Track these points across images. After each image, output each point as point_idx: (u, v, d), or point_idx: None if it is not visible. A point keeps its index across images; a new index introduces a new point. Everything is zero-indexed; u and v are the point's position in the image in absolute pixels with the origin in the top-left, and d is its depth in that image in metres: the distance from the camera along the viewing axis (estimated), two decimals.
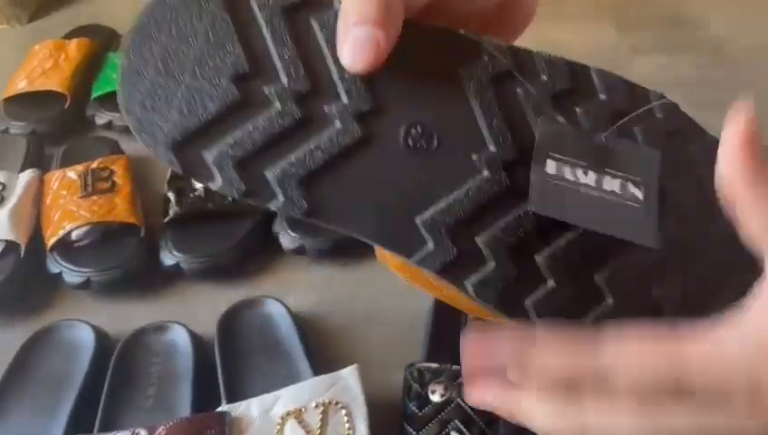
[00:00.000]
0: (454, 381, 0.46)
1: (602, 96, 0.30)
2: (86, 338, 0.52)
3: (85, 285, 0.56)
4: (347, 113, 0.28)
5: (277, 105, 0.27)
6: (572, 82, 0.29)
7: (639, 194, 0.28)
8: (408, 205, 0.28)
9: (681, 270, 0.28)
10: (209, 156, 0.27)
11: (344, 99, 0.28)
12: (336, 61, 0.27)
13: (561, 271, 0.28)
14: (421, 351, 0.51)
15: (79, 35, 0.81)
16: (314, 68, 0.28)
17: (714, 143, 0.26)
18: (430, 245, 0.27)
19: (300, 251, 0.58)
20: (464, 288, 0.28)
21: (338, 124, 0.27)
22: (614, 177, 0.28)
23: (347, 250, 0.57)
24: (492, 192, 0.28)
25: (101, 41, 0.82)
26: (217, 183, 0.27)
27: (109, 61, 0.77)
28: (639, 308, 0.27)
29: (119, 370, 0.50)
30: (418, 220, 0.28)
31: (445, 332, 0.51)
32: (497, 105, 0.28)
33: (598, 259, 0.28)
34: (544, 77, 0.29)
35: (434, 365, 0.48)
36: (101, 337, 0.52)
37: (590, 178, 0.28)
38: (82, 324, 0.53)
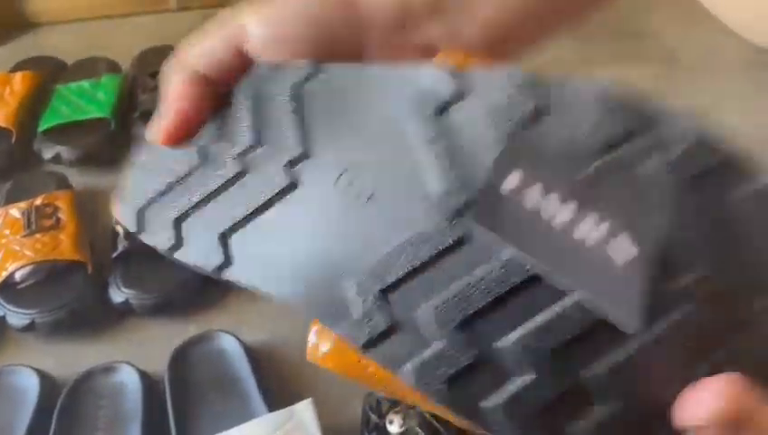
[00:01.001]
0: (411, 410, 0.45)
1: (586, 116, 0.22)
2: (30, 384, 0.50)
3: (30, 328, 0.54)
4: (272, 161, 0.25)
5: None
6: (540, 100, 0.22)
7: (629, 248, 0.21)
8: (337, 263, 0.23)
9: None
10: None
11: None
12: None
13: (537, 360, 0.20)
14: None
15: (24, 68, 0.79)
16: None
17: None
18: (357, 312, 0.22)
19: None
20: (400, 373, 0.21)
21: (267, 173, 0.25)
22: (600, 219, 0.21)
23: None
24: (438, 248, 0.22)
25: (47, 72, 0.80)
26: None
27: (56, 93, 0.76)
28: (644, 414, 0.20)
29: (64, 416, 0.48)
30: (347, 283, 0.22)
31: None
32: (444, 142, 0.23)
33: (586, 348, 0.20)
34: (503, 98, 0.23)
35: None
36: (46, 382, 0.50)
37: (565, 213, 0.21)
38: (26, 370, 0.50)
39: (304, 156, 0.25)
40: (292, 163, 0.25)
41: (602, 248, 0.20)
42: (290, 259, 0.24)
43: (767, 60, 0.76)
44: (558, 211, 0.21)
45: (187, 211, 0.26)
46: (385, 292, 0.22)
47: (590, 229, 0.21)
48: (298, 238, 0.24)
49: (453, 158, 0.22)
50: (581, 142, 0.22)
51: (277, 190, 0.25)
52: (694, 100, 0.78)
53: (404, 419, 0.45)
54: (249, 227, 0.25)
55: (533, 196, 0.21)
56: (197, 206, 0.26)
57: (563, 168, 0.21)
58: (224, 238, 0.25)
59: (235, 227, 0.25)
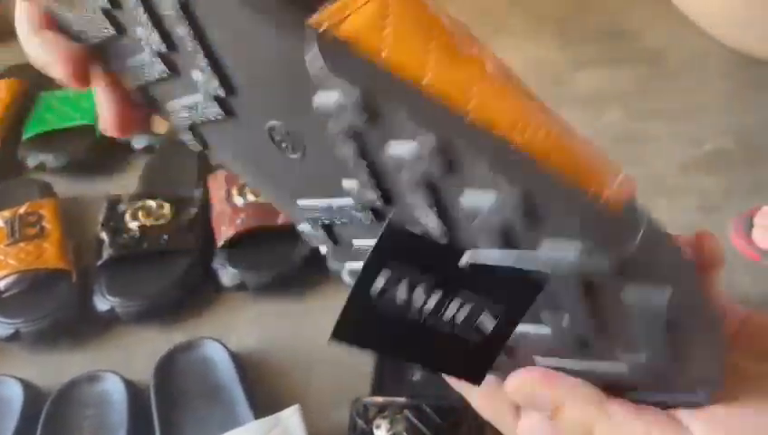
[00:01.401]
0: (399, 414, 0.45)
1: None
2: (14, 394, 0.49)
3: (15, 337, 0.53)
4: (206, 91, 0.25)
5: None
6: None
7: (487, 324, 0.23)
8: (286, 187, 0.27)
9: None
10: None
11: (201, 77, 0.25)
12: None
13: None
14: (368, 385, 0.49)
15: (8, 75, 0.79)
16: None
17: None
18: (306, 227, 0.27)
19: (241, 287, 0.56)
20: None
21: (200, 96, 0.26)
22: (462, 304, 0.22)
23: (288, 286, 0.56)
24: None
25: (31, 80, 0.79)
26: None
27: (40, 100, 0.75)
28: None
29: (49, 425, 0.47)
30: (300, 202, 0.27)
31: (391, 365, 0.50)
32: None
33: None
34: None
35: (379, 399, 0.46)
36: (31, 392, 0.50)
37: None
38: (10, 380, 0.50)
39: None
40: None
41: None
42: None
43: (749, 60, 0.76)
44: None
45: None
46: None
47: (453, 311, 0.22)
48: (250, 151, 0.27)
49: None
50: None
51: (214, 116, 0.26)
52: (679, 100, 0.79)
53: (391, 423, 0.45)
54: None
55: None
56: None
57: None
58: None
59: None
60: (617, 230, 0.19)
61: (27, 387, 0.50)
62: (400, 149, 0.20)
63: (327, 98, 0.20)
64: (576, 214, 0.19)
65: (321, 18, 0.20)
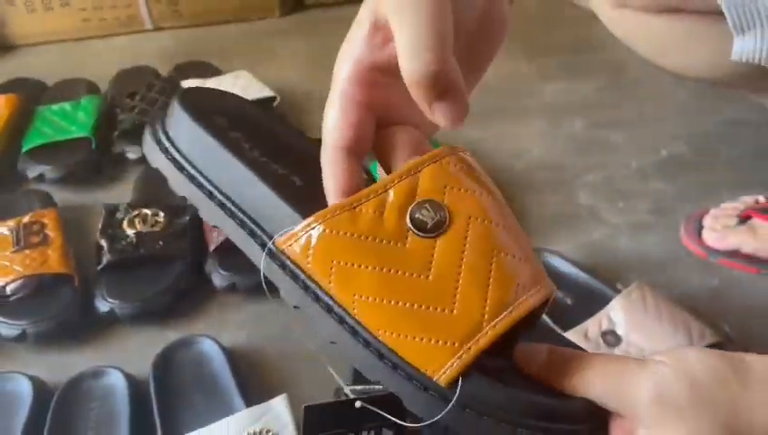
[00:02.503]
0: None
1: None
2: (24, 389, 0.53)
3: (21, 338, 0.57)
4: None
5: None
6: None
7: None
8: None
9: None
10: None
11: None
12: None
13: None
14: (350, 375, 0.54)
15: (5, 91, 0.83)
16: None
17: None
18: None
19: (231, 288, 0.61)
20: None
21: None
22: None
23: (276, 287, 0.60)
24: None
25: (28, 94, 0.83)
26: None
27: (38, 114, 0.79)
28: None
29: (57, 417, 0.51)
30: None
31: None
32: None
33: None
34: None
35: (359, 387, 0.51)
36: (39, 387, 0.54)
37: None
38: (19, 376, 0.54)
39: None
40: None
41: None
42: None
43: None
44: None
45: None
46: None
47: None
48: None
49: None
50: None
51: None
52: (637, 109, 0.85)
53: None
54: None
55: None
56: None
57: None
58: None
59: None
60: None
61: (35, 383, 0.54)
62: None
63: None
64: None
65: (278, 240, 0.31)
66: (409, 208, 0.30)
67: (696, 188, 0.72)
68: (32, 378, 0.54)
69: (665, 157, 0.77)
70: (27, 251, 0.60)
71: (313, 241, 0.30)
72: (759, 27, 0.45)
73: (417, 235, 0.29)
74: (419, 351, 0.28)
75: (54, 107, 0.80)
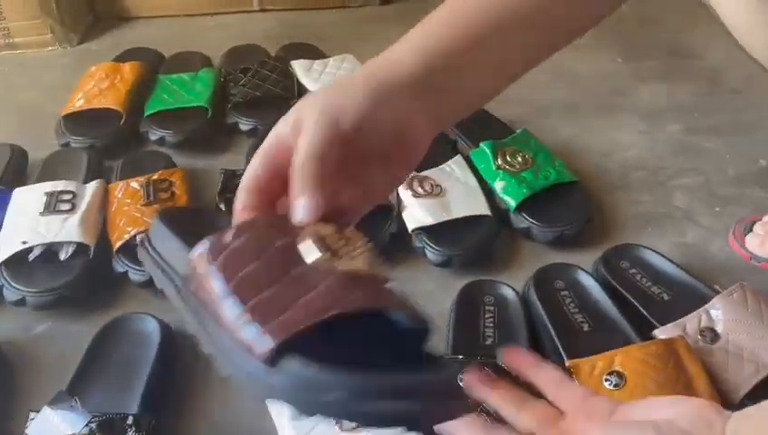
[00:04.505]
0: None
1: None
2: (152, 329, 0.58)
3: (149, 283, 0.62)
4: None
5: None
6: None
7: None
8: None
9: None
10: None
11: None
12: None
13: None
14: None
15: (129, 58, 0.89)
16: None
17: None
18: None
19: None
20: None
21: None
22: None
23: None
24: None
25: (150, 63, 0.89)
26: None
27: (159, 82, 0.85)
28: None
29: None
30: None
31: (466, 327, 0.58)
32: None
33: None
34: None
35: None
36: (165, 328, 0.59)
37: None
38: (148, 317, 0.59)
39: None
40: None
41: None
42: None
43: None
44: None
45: None
46: None
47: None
48: None
49: None
50: None
51: None
52: (735, 118, 0.85)
53: None
54: None
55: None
56: None
57: None
58: None
59: None
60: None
61: (162, 324, 0.59)
62: None
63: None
64: None
65: None
66: None
67: None
68: (159, 320, 0.59)
69: (763, 166, 0.77)
70: (156, 205, 0.66)
71: None
72: None
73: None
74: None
75: (174, 76, 0.85)
